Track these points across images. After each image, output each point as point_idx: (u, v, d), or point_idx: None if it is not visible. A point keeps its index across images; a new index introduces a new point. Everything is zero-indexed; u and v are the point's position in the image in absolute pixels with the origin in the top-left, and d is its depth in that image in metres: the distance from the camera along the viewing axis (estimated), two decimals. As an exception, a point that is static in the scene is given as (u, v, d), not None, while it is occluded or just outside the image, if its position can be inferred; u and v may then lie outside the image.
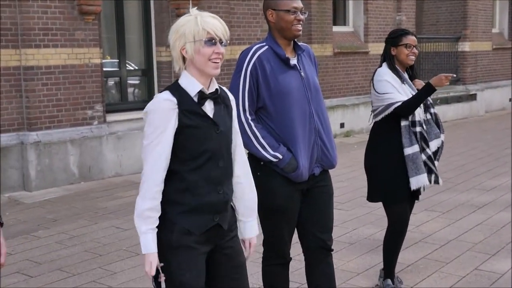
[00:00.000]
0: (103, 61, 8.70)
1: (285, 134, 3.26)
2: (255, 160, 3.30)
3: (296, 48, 3.38)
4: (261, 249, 3.53)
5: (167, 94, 2.53)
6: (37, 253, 5.39)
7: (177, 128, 2.52)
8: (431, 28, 15.83)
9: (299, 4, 3.29)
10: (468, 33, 15.35)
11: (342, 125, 12.14)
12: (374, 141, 4.32)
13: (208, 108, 2.59)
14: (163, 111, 2.50)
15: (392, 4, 13.16)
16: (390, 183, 4.19)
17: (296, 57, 3.36)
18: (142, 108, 9.04)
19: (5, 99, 7.61)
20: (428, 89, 4.05)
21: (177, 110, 2.51)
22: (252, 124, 3.25)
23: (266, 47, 3.31)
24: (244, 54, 3.31)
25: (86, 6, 8.02)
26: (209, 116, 2.58)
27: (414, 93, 4.13)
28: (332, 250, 3.49)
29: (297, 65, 3.33)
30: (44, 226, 6.20)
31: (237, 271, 2.73)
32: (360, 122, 12.49)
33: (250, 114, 3.26)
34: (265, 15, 3.38)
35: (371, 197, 4.37)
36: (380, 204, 7.04)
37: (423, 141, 4.13)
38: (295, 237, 3.51)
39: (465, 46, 15.36)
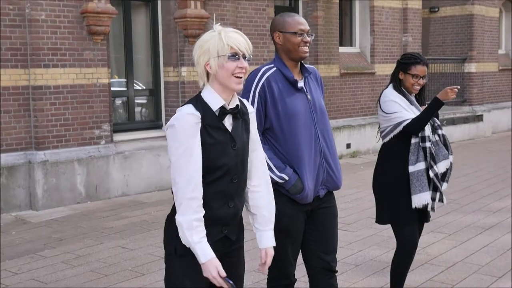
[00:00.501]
0: (111, 80, 8.76)
1: (291, 156, 3.28)
2: None
3: (303, 71, 3.41)
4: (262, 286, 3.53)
5: (190, 108, 2.56)
6: (43, 272, 5.40)
7: None
8: (437, 49, 15.88)
9: (306, 27, 3.33)
10: (475, 54, 15.40)
11: (348, 146, 12.15)
12: (382, 162, 4.31)
13: (227, 123, 2.63)
14: (188, 126, 2.53)
15: (398, 25, 13.24)
16: (398, 206, 4.17)
17: (303, 80, 3.39)
18: (149, 128, 9.15)
19: (14, 118, 7.67)
20: (436, 104, 4.05)
21: (200, 124, 2.54)
22: None
23: (274, 68, 3.34)
24: (252, 75, 3.34)
25: (95, 27, 8.11)
26: (229, 131, 2.61)
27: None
28: (336, 271, 3.49)
29: (304, 88, 3.36)
30: (50, 245, 6.22)
31: (234, 282, 2.72)
32: (367, 142, 12.51)
33: None
34: (272, 37, 3.42)
35: (380, 219, 4.35)
36: (386, 225, 7.03)
37: (431, 158, 4.10)
38: (300, 258, 3.51)
39: (472, 67, 15.40)
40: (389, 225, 4.39)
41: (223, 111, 2.59)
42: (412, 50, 13.33)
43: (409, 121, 4.06)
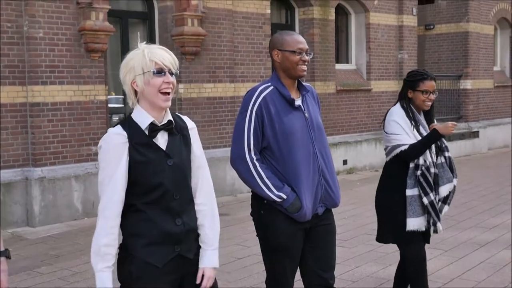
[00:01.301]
0: (108, 97, 8.80)
1: (289, 174, 3.29)
2: (258, 198, 3.34)
3: (301, 89, 3.43)
4: (264, 286, 3.54)
5: (117, 129, 2.56)
6: (39, 289, 5.39)
7: (128, 163, 2.53)
8: (433, 66, 15.97)
9: (305, 45, 3.35)
10: (470, 71, 15.50)
11: (345, 162, 12.18)
12: (384, 180, 4.26)
13: (161, 140, 2.60)
14: (114, 146, 2.52)
15: (394, 42, 13.33)
16: (401, 225, 4.08)
17: (300, 98, 3.41)
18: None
19: (11, 134, 7.69)
20: (435, 136, 4.00)
21: (127, 144, 2.53)
22: (257, 164, 3.28)
23: (272, 87, 3.35)
24: (249, 94, 3.36)
25: (92, 44, 8.16)
26: (161, 148, 2.58)
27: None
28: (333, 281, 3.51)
29: (302, 106, 3.38)
30: (47, 262, 6.21)
31: None
32: (363, 159, 12.55)
33: (255, 154, 3.29)
34: (270, 55, 3.43)
35: (381, 238, 4.29)
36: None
37: (427, 184, 4.00)
38: (298, 274, 3.52)
39: (467, 84, 15.49)
40: (388, 244, 4.38)
41: (153, 128, 2.57)
42: (407, 67, 13.42)
43: (406, 147, 4.01)
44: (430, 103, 4.10)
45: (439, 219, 4.05)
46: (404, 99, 4.13)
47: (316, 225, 3.41)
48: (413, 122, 4.07)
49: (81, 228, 7.66)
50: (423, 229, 4.05)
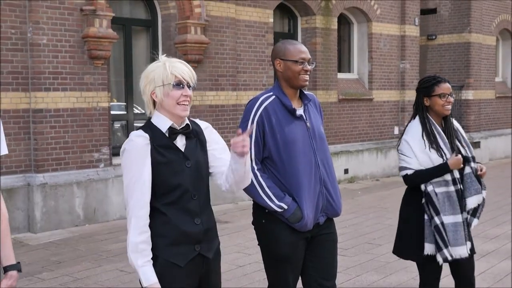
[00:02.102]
0: (111, 104, 8.82)
1: (291, 184, 3.29)
2: (260, 208, 3.35)
3: (303, 98, 3.43)
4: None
5: (139, 132, 2.66)
6: (40, 295, 5.40)
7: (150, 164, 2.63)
8: (434, 76, 15.98)
9: (307, 55, 3.36)
10: (472, 81, 15.53)
11: (346, 171, 12.19)
12: (407, 195, 4.06)
13: (180, 143, 2.70)
14: (138, 148, 2.62)
15: (396, 52, 13.37)
16: (418, 245, 3.91)
17: (302, 107, 3.41)
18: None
19: (14, 141, 7.71)
20: (445, 169, 3.80)
21: (150, 145, 2.62)
22: (258, 174, 3.29)
23: (273, 97, 3.36)
24: (251, 104, 3.37)
25: (96, 51, 8.19)
26: (180, 150, 2.68)
27: (445, 151, 3.85)
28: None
29: (303, 115, 3.38)
30: (48, 268, 6.22)
31: None
32: (364, 168, 12.56)
33: (256, 164, 3.30)
34: (273, 64, 3.44)
35: (399, 252, 4.09)
36: (384, 250, 7.04)
37: (433, 208, 3.80)
38: (299, 283, 3.52)
39: (469, 95, 15.52)
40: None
41: (173, 131, 2.67)
42: (409, 77, 13.46)
43: (410, 172, 3.87)
44: (450, 107, 3.92)
45: (445, 245, 3.79)
46: (421, 110, 3.95)
47: (318, 234, 3.42)
48: (431, 138, 3.86)
49: (82, 235, 7.67)
50: (433, 253, 3.86)
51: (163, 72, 2.63)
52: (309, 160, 3.32)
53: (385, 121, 13.28)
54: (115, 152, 8.85)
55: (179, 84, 2.63)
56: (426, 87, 3.94)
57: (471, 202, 3.86)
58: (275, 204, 3.26)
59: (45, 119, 7.90)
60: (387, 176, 13.07)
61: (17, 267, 2.53)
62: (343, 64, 13.07)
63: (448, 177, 3.81)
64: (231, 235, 7.57)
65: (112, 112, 8.90)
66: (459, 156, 3.81)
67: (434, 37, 16.09)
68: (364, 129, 12.78)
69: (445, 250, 3.79)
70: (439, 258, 3.82)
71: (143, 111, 9.65)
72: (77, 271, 6.12)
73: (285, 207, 3.25)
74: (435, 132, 3.89)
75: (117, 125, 9.41)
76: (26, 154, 7.86)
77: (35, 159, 7.88)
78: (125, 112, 9.35)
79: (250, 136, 3.29)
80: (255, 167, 3.30)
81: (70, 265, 6.34)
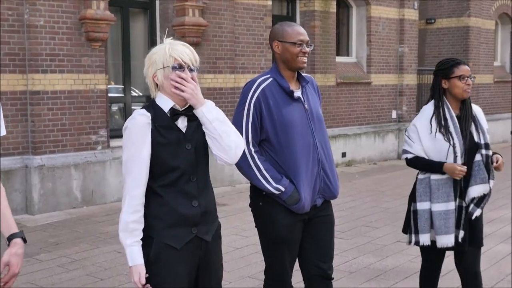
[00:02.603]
0: (108, 86, 8.80)
1: (288, 166, 3.29)
2: (257, 190, 3.35)
3: (301, 80, 3.42)
4: (262, 276, 3.56)
5: (142, 111, 2.66)
6: (39, 276, 5.42)
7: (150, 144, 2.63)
8: (433, 60, 15.96)
9: (305, 37, 3.34)
10: (470, 66, 15.38)
11: (343, 155, 12.20)
12: (416, 179, 3.96)
13: (181, 125, 2.69)
14: (139, 126, 2.61)
15: (395, 36, 13.33)
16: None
17: (300, 89, 3.40)
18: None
19: (11, 122, 7.69)
20: (437, 169, 3.73)
21: (151, 125, 2.62)
22: (256, 156, 3.28)
23: (271, 79, 3.34)
24: (248, 86, 3.36)
25: (93, 33, 8.15)
26: (181, 131, 2.67)
27: (453, 136, 3.72)
28: (332, 279, 3.52)
29: (301, 97, 3.37)
30: (46, 249, 6.24)
31: (213, 285, 2.81)
32: (362, 151, 12.57)
33: (253, 146, 3.30)
34: (271, 46, 3.42)
35: (404, 231, 4.06)
36: (380, 233, 7.07)
37: (412, 195, 3.89)
38: (296, 264, 3.54)
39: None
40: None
41: (175, 112, 2.66)
42: (408, 61, 13.43)
43: (411, 156, 3.84)
44: (469, 89, 3.81)
45: (412, 231, 3.86)
46: (438, 93, 3.82)
47: (315, 216, 3.42)
48: (442, 123, 3.76)
49: (80, 217, 7.69)
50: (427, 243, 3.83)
51: (164, 55, 2.62)
52: (307, 142, 3.32)
53: (383, 105, 13.28)
54: (113, 134, 8.85)
55: (179, 67, 2.61)
56: (445, 68, 3.82)
57: (475, 191, 3.75)
58: (273, 186, 3.26)
59: (43, 101, 7.88)
60: (384, 159, 13.09)
61: (20, 234, 2.51)
62: (342, 47, 13.03)
63: (451, 160, 3.71)
64: (228, 218, 7.59)
65: (109, 95, 8.87)
66: (464, 168, 3.67)
67: (433, 21, 16.04)
68: (362, 112, 12.77)
69: (410, 235, 3.91)
70: (407, 239, 3.94)
71: (141, 94, 9.64)
72: (74, 252, 6.14)
73: (283, 189, 3.25)
74: (448, 116, 3.78)
75: (114, 107, 9.39)
76: (23, 136, 7.85)
77: (33, 141, 7.88)
78: (123, 95, 9.33)
79: (247, 119, 3.28)
80: (252, 150, 3.29)
81: (67, 246, 6.36)
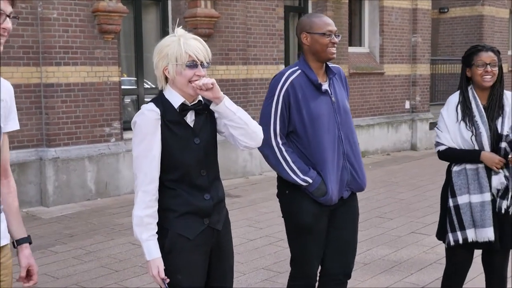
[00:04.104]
0: (121, 79, 8.82)
1: (315, 159, 3.28)
2: (284, 179, 3.34)
3: (328, 72, 3.40)
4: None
5: (151, 105, 2.64)
6: (54, 267, 5.46)
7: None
8: (446, 50, 15.87)
9: (334, 27, 3.32)
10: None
11: (356, 145, 12.15)
12: (446, 171, 3.85)
13: (189, 119, 2.68)
14: (148, 122, 2.60)
15: (407, 25, 13.24)
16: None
17: (327, 81, 3.38)
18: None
19: (25, 115, 7.73)
20: (473, 158, 3.60)
21: (160, 120, 2.61)
22: (283, 148, 3.28)
23: (299, 71, 3.32)
24: (276, 79, 3.34)
25: (106, 25, 8.16)
26: (190, 126, 2.66)
27: (479, 125, 3.60)
28: (350, 276, 3.52)
29: (329, 90, 3.35)
30: (61, 241, 6.28)
31: (225, 275, 2.83)
32: (375, 142, 12.52)
33: (281, 139, 3.29)
34: (298, 38, 3.39)
35: (441, 236, 3.87)
36: (395, 224, 7.05)
37: (451, 189, 3.70)
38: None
39: (481, 68, 15.36)
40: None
41: (184, 107, 2.65)
42: (421, 51, 13.34)
43: (443, 148, 3.71)
44: (489, 78, 3.59)
45: (453, 229, 3.67)
46: (462, 81, 3.72)
47: (340, 209, 3.41)
48: (466, 111, 3.63)
49: (94, 208, 7.73)
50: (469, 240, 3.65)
51: (177, 50, 2.57)
52: (333, 135, 3.30)
53: (396, 95, 13.21)
54: (126, 126, 8.87)
55: (192, 64, 2.59)
56: (466, 56, 3.70)
57: (495, 181, 3.61)
58: (300, 178, 3.25)
59: (56, 93, 7.91)
60: (398, 150, 13.04)
61: (28, 240, 2.57)
62: (354, 38, 12.97)
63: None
64: (241, 209, 7.60)
65: (122, 87, 8.89)
66: (502, 159, 3.54)
67: (446, 10, 15.91)
68: (375, 103, 12.72)
69: (453, 233, 3.68)
70: (448, 239, 3.71)
71: (154, 86, 9.64)
72: (89, 244, 6.18)
73: (310, 181, 3.24)
74: (473, 105, 3.64)
75: (127, 99, 9.42)
76: (37, 129, 7.89)
77: (47, 134, 7.92)
78: (136, 87, 9.35)
79: (275, 111, 3.27)
80: (280, 142, 3.28)
81: (82, 238, 6.40)
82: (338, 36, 3.33)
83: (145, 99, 9.48)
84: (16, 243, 2.56)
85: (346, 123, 3.39)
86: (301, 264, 3.43)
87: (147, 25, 9.47)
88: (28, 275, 2.55)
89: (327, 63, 3.41)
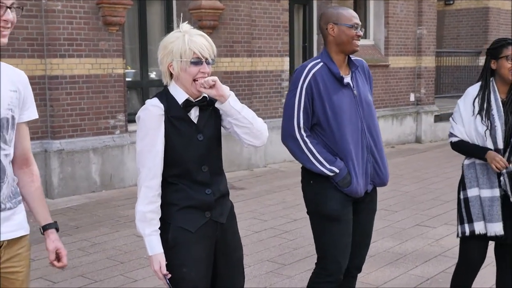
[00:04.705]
0: (126, 71, 8.82)
1: (340, 151, 3.26)
2: (308, 169, 3.32)
3: (351, 65, 3.38)
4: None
5: (155, 101, 2.63)
6: (59, 259, 5.46)
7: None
8: (452, 42, 15.81)
9: (359, 21, 3.33)
10: (489, 47, 15.31)
11: (361, 138, 12.13)
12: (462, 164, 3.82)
13: (193, 115, 2.67)
14: (152, 117, 2.60)
15: (413, 18, 13.19)
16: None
17: (350, 74, 3.36)
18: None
19: (30, 107, 7.72)
20: (480, 154, 3.59)
21: (164, 116, 2.60)
22: (308, 140, 3.25)
23: (321, 64, 3.30)
24: (298, 71, 3.32)
25: (110, 17, 8.15)
26: (194, 123, 2.66)
27: (495, 120, 3.57)
28: (361, 270, 3.53)
29: (350, 83, 3.32)
30: (66, 233, 6.29)
31: (233, 266, 2.82)
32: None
33: (305, 131, 3.27)
34: (323, 29, 3.34)
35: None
36: (399, 217, 7.05)
37: (462, 182, 3.72)
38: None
39: (486, 61, 15.32)
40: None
41: (188, 103, 2.64)
42: (426, 43, 13.29)
43: (456, 139, 3.70)
44: None
45: (462, 221, 3.69)
46: (485, 73, 3.68)
47: (363, 202, 3.39)
48: (484, 104, 3.60)
49: (99, 200, 7.74)
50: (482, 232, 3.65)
51: (182, 46, 2.57)
52: (356, 128, 3.28)
53: (401, 87, 13.18)
54: (131, 118, 8.86)
55: (197, 60, 2.58)
56: (494, 48, 3.65)
57: (503, 179, 3.59)
58: (327, 168, 3.23)
59: (61, 85, 7.91)
60: (402, 143, 13.02)
61: (55, 225, 2.61)
62: (359, 30, 12.90)
63: (489, 145, 3.59)
64: (246, 202, 7.61)
65: (127, 79, 8.89)
66: (504, 162, 3.50)
67: (451, 2, 15.85)
68: (380, 95, 12.68)
69: (461, 226, 3.69)
70: (457, 231, 3.73)
71: (158, 78, 9.64)
72: (95, 236, 6.19)
73: (337, 171, 3.22)
74: (492, 99, 3.61)
75: (132, 92, 9.41)
76: (42, 121, 7.90)
77: (52, 126, 7.92)
78: (140, 79, 9.34)
79: (299, 104, 3.25)
80: (304, 135, 3.26)
81: (88, 230, 6.41)
82: (362, 29, 3.34)
83: (150, 91, 9.48)
84: (42, 229, 2.59)
85: (369, 116, 3.36)
86: (330, 258, 3.32)
87: (151, 17, 9.46)
88: (57, 258, 2.58)
89: (350, 56, 3.39)
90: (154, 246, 2.61)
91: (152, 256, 2.62)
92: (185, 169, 2.64)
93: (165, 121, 2.60)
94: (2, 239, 2.36)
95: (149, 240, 2.61)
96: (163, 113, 2.60)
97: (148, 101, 2.65)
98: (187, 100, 2.64)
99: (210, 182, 2.69)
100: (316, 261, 3.47)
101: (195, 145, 2.65)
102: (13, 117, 2.39)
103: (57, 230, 2.62)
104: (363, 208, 3.41)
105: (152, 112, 2.60)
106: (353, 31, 3.27)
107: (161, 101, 2.62)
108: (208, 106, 2.69)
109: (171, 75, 2.67)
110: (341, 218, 3.29)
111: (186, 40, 2.57)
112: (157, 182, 2.61)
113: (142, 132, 2.61)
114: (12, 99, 2.38)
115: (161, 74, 2.73)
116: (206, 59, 2.59)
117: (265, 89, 10.39)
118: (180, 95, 2.64)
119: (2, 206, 2.36)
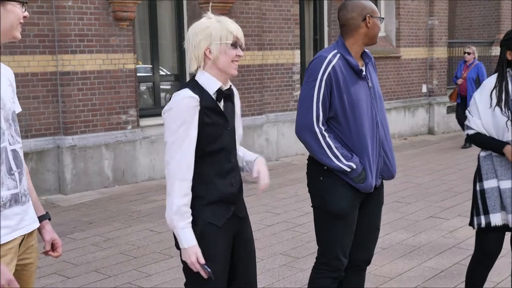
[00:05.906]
0: (137, 66, 8.83)
1: (354, 145, 3.21)
2: (318, 165, 3.26)
3: (364, 57, 3.35)
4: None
5: (189, 92, 2.60)
6: (73, 254, 5.50)
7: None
8: (464, 33, 15.69)
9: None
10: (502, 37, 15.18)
11: (373, 130, 12.08)
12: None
13: (221, 104, 2.71)
14: (187, 109, 2.58)
15: (424, 8, 13.10)
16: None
17: (364, 66, 3.33)
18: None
19: (42, 103, 7.77)
20: (498, 148, 3.55)
21: (199, 107, 2.60)
22: (326, 134, 3.18)
23: (339, 55, 3.23)
24: (317, 62, 3.23)
25: (120, 13, 8.16)
26: (223, 113, 2.69)
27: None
28: (370, 263, 3.51)
29: (366, 75, 3.29)
30: (79, 228, 6.32)
31: (249, 258, 2.86)
32: (392, 127, 12.42)
33: (323, 125, 3.19)
34: (351, 19, 3.26)
35: (471, 222, 3.80)
36: (413, 209, 7.02)
37: (478, 174, 3.68)
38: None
39: (499, 51, 15.19)
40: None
41: (220, 93, 2.67)
42: (438, 34, 13.20)
43: (472, 132, 3.65)
44: None
45: (478, 213, 3.65)
46: (501, 65, 3.62)
47: (369, 196, 3.36)
48: (502, 96, 3.54)
49: (112, 196, 7.77)
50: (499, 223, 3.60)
51: (221, 30, 2.61)
52: (371, 121, 3.24)
53: (413, 79, 13.10)
54: (142, 114, 8.89)
55: (235, 44, 2.64)
56: (509, 39, 3.61)
57: None
58: (344, 164, 3.17)
59: (73, 81, 7.94)
60: (415, 135, 12.95)
61: (47, 216, 2.62)
62: (370, 21, 12.83)
63: (509, 137, 3.52)
64: (259, 195, 7.59)
65: (138, 74, 8.90)
66: None
67: (463, -8, 15.70)
68: (391, 87, 12.62)
69: (477, 217, 3.66)
70: (473, 223, 3.70)
71: (169, 73, 9.65)
72: (108, 231, 6.21)
73: (354, 166, 3.17)
74: (510, 89, 3.55)
75: (143, 87, 9.43)
76: (54, 117, 7.93)
77: (64, 122, 7.95)
78: (151, 74, 9.35)
79: (318, 95, 3.18)
80: (322, 128, 3.19)
81: (101, 225, 6.44)
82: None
83: (161, 86, 9.49)
84: (38, 220, 2.59)
85: (380, 109, 3.33)
86: (334, 255, 3.31)
87: (161, 11, 9.45)
88: (53, 248, 2.60)
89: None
90: (189, 238, 2.59)
91: (188, 249, 2.59)
92: (216, 159, 2.67)
93: (199, 112, 2.60)
94: (27, 232, 2.40)
95: (183, 233, 2.59)
96: (198, 104, 2.59)
97: (180, 93, 2.61)
98: (219, 89, 2.66)
99: (236, 173, 2.75)
100: (317, 255, 3.43)
101: (225, 134, 2.68)
102: (14, 110, 2.42)
103: (50, 219, 2.64)
104: (371, 201, 3.38)
105: (187, 104, 2.58)
106: (380, 24, 3.32)
107: (195, 92, 2.61)
108: (231, 96, 2.75)
109: (203, 61, 2.65)
110: (348, 218, 3.27)
111: (224, 25, 2.62)
112: (190, 174, 2.60)
113: (175, 124, 2.58)
114: (11, 93, 2.41)
115: (189, 60, 2.68)
116: (241, 44, 2.66)
117: (276, 82, 10.36)
118: (212, 84, 2.65)
119: (26, 198, 2.40)
